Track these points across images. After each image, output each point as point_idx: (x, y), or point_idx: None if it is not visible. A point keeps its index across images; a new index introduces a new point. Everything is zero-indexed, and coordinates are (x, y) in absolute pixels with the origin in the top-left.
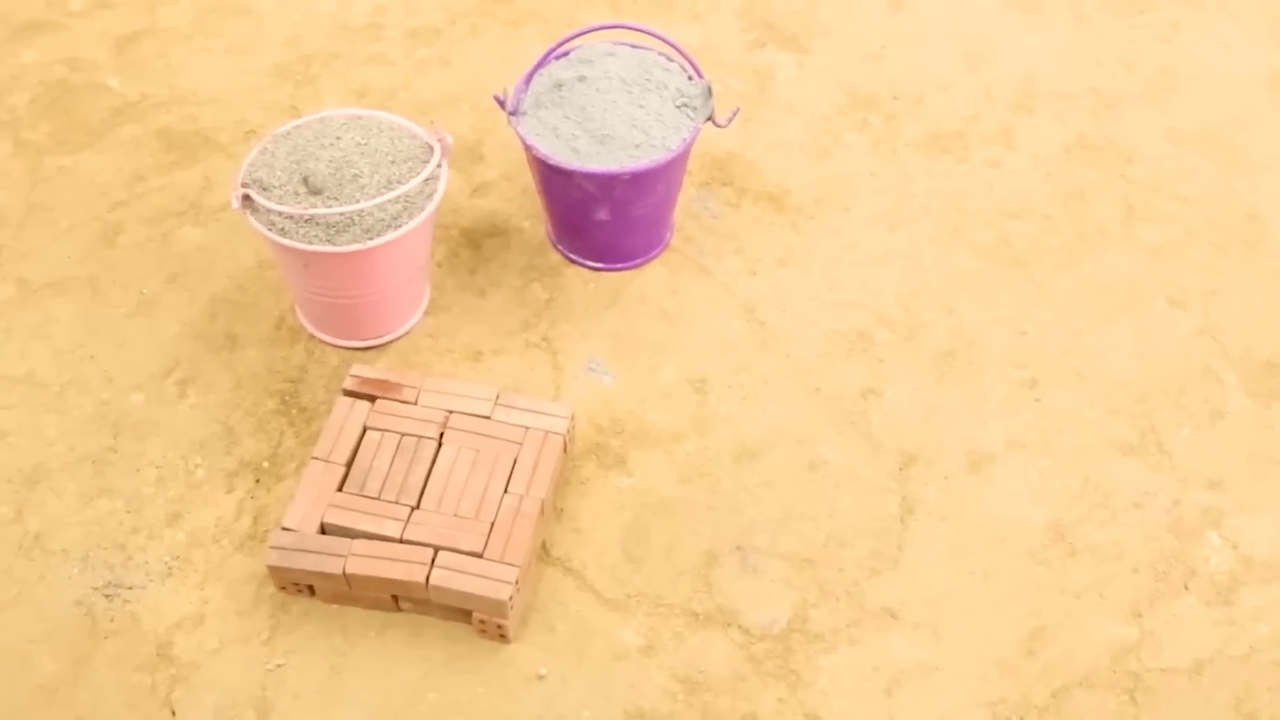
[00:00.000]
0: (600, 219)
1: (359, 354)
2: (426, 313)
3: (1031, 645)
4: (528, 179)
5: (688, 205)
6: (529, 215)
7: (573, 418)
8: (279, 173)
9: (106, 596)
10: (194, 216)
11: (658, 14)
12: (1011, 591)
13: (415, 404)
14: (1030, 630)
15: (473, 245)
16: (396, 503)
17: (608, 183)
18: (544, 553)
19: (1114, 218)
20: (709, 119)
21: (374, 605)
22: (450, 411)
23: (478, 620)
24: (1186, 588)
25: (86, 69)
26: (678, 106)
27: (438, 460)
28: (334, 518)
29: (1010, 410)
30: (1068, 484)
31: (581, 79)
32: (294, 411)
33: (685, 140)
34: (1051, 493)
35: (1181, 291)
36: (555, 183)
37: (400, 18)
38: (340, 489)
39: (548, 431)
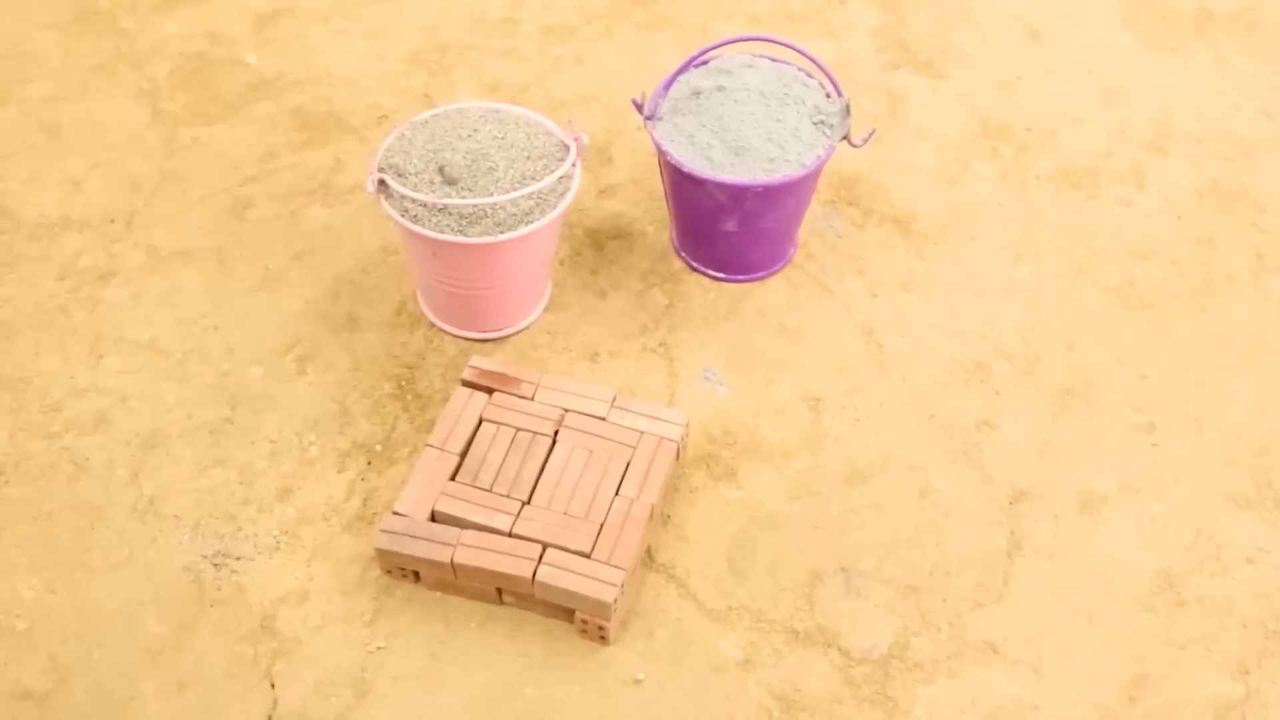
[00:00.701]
0: (727, 229)
1: (477, 345)
2: (546, 309)
3: (1133, 692)
4: (654, 183)
5: (813, 222)
6: (654, 220)
7: (687, 425)
8: (415, 160)
9: (215, 565)
10: (323, 196)
11: (793, 29)
12: (1116, 636)
13: (532, 400)
14: (1133, 677)
15: (596, 246)
16: (508, 496)
17: (739, 194)
18: (648, 558)
19: (1243, 267)
20: (844, 138)
21: (477, 596)
22: (566, 410)
23: (579, 620)
24: None
25: (226, 44)
26: (814, 123)
27: (551, 457)
28: (445, 506)
29: (1126, 453)
30: (1180, 533)
31: (720, 89)
32: (409, 397)
33: (820, 157)
34: (1163, 540)
35: None
36: (686, 190)
37: (537, 14)
38: (453, 478)
39: (662, 437)
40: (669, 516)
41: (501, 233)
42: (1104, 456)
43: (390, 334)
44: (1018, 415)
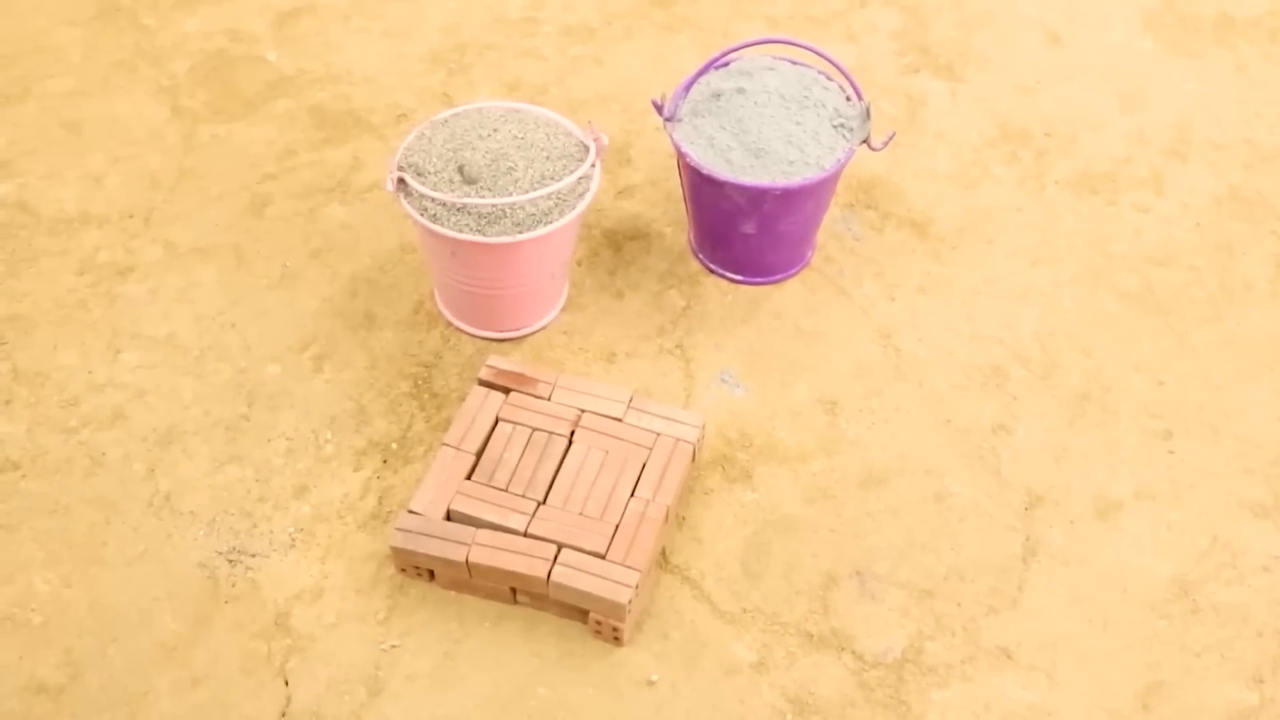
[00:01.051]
0: (746, 232)
1: (494, 345)
2: (563, 310)
3: (1147, 700)
4: (673, 184)
5: (831, 225)
6: (672, 221)
7: (703, 427)
8: (435, 159)
9: (230, 562)
10: (341, 195)
11: (813, 31)
12: (1130, 643)
13: (549, 400)
14: (1147, 684)
15: (614, 247)
16: (524, 496)
17: (758, 197)
18: (663, 559)
19: (1261, 274)
20: (864, 141)
21: (491, 595)
22: (583, 410)
23: (594, 620)
24: None
25: (246, 41)
26: (834, 126)
27: (567, 458)
28: (461, 505)
29: (1142, 460)
30: (1195, 540)
31: (740, 91)
32: (425, 396)
33: (840, 161)
34: (1178, 547)
35: None
36: (705, 192)
37: (557, 14)
38: (469, 477)
39: (678, 439)
40: (684, 518)
41: (520, 233)
42: (1120, 463)
43: (407, 332)
44: (1034, 420)
